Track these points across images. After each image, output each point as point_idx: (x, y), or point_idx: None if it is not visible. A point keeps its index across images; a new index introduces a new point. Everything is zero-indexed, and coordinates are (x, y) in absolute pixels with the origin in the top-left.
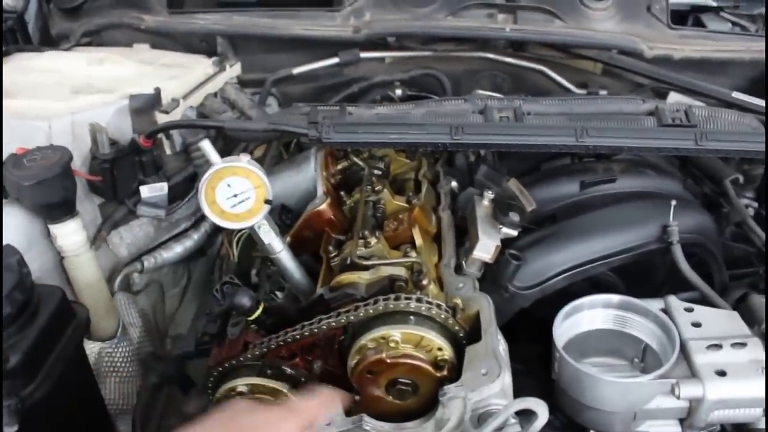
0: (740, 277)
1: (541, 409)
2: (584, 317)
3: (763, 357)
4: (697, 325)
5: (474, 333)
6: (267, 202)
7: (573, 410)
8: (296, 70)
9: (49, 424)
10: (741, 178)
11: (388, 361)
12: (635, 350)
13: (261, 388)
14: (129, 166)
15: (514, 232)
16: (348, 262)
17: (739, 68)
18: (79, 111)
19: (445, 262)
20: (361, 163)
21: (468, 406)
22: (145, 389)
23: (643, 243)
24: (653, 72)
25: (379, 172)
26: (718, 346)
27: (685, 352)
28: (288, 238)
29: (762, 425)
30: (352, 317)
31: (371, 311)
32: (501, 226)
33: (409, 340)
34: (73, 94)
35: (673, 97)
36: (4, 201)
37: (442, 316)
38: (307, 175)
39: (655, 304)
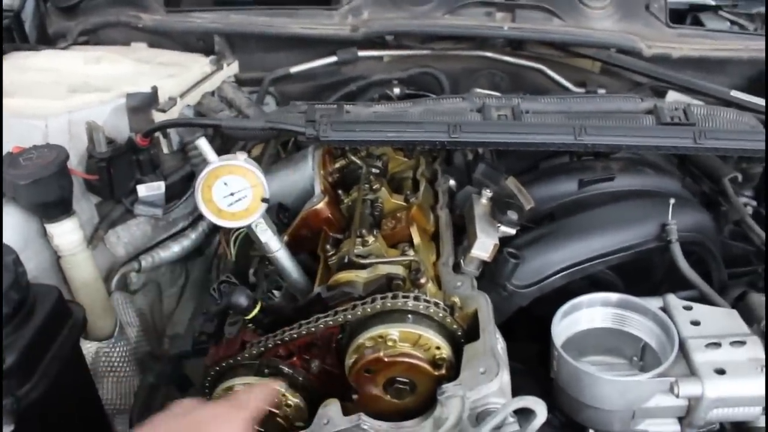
0: (739, 276)
1: (540, 408)
2: (583, 316)
3: (762, 355)
4: (696, 323)
5: (472, 331)
6: (264, 200)
7: (572, 409)
8: (294, 69)
9: (45, 423)
10: (740, 177)
11: (386, 359)
12: (634, 349)
13: None
14: (126, 165)
15: (513, 231)
16: (345, 260)
17: (737, 67)
18: (76, 110)
19: (443, 261)
20: (358, 161)
21: (466, 405)
22: (143, 389)
23: (641, 241)
24: (652, 71)
25: (377, 171)
26: (717, 345)
27: (684, 351)
28: (285, 237)
29: (762, 423)
30: (349, 316)
31: (369, 310)
32: (499, 225)
33: (407, 339)
34: (70, 93)
35: (672, 96)
36: None
37: (440, 315)
38: (304, 174)
39: (654, 303)
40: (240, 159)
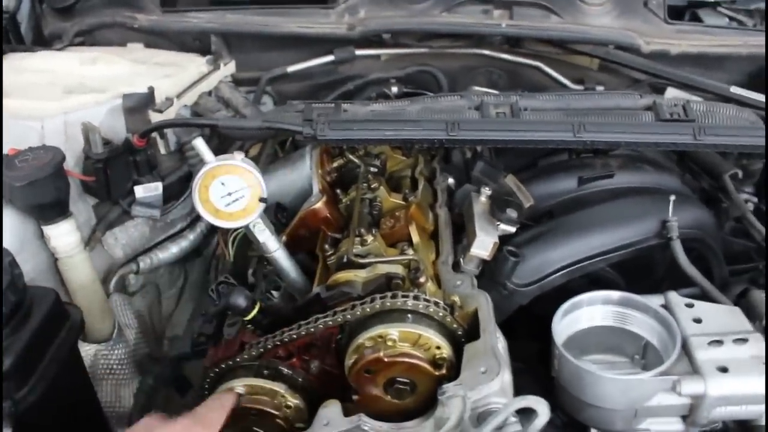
0: (740, 273)
1: (542, 408)
2: (584, 314)
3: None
4: (698, 321)
5: (472, 331)
6: (262, 200)
7: (573, 408)
8: (291, 68)
9: (44, 427)
10: (740, 173)
11: (386, 360)
12: (636, 347)
13: (258, 389)
14: (123, 166)
15: (512, 229)
16: (344, 260)
17: (736, 63)
18: (72, 111)
19: (443, 260)
20: (356, 160)
21: (467, 405)
22: (142, 391)
23: (642, 239)
24: (650, 67)
25: (375, 170)
26: (720, 342)
27: (686, 349)
28: (284, 237)
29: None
30: (348, 316)
31: (368, 310)
32: (498, 223)
33: (407, 339)
34: (66, 94)
35: (671, 93)
36: None
37: (440, 314)
38: (302, 173)
39: (655, 300)
40: (237, 159)
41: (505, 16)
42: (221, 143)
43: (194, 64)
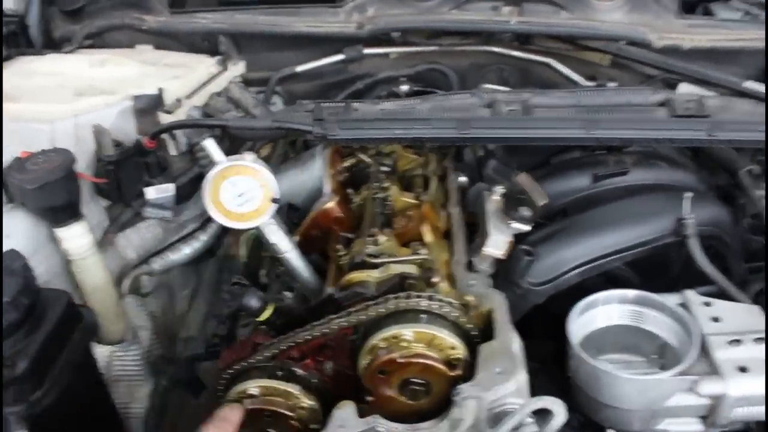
0: (759, 270)
1: (559, 409)
2: (600, 313)
3: None
4: (716, 319)
5: (487, 331)
6: (274, 201)
7: (590, 408)
8: (300, 68)
9: (58, 429)
10: (757, 169)
11: (400, 360)
12: (653, 346)
13: (272, 390)
14: (134, 168)
15: (526, 227)
16: (357, 260)
17: (750, 57)
18: (82, 113)
19: (456, 259)
20: (368, 159)
21: (483, 406)
22: (156, 393)
23: (657, 236)
24: (663, 62)
25: (387, 169)
26: (739, 342)
27: (704, 348)
28: (296, 237)
29: None
30: (362, 317)
31: (382, 310)
32: (512, 222)
33: (421, 339)
34: (76, 97)
35: (683, 88)
36: (9, 206)
37: (454, 314)
38: (313, 173)
39: (672, 299)
40: (247, 159)
41: (515, 12)
42: (232, 144)
43: (203, 64)
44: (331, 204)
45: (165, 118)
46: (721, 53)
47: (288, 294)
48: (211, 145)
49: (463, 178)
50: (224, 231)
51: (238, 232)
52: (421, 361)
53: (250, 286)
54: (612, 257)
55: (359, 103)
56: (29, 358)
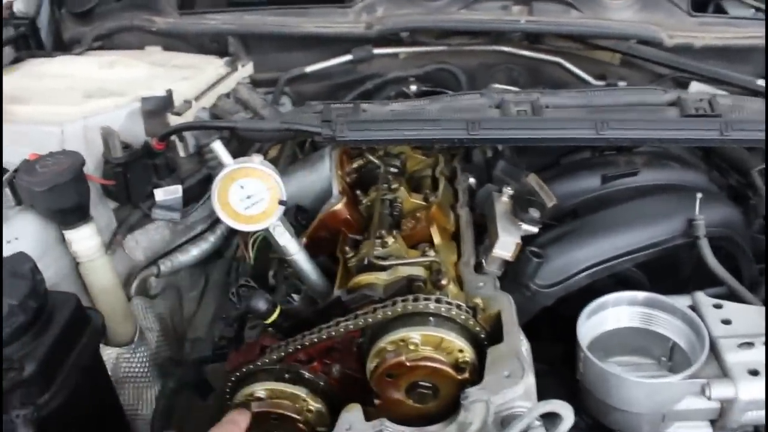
0: None
1: (567, 412)
2: (609, 315)
3: None
4: (727, 322)
5: (495, 333)
6: (281, 203)
7: (599, 411)
8: (309, 69)
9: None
10: None
11: (408, 363)
12: (662, 349)
13: (279, 393)
14: (142, 170)
15: (535, 229)
16: (365, 262)
17: (763, 55)
18: (92, 115)
19: (465, 261)
20: (376, 161)
21: (491, 410)
22: (164, 395)
23: (668, 238)
24: (674, 61)
25: (396, 170)
26: (750, 344)
27: (715, 351)
28: (304, 239)
29: None
30: (370, 319)
31: (390, 313)
32: (521, 223)
33: (429, 342)
34: (85, 98)
35: (695, 87)
36: (18, 208)
37: (463, 317)
38: (321, 175)
39: (682, 301)
40: (256, 161)
41: (524, 11)
42: (240, 145)
43: (212, 66)
44: (339, 206)
45: (174, 120)
46: (733, 51)
47: (295, 296)
48: (219, 148)
49: (472, 180)
50: (232, 232)
51: (246, 234)
52: (429, 364)
53: (257, 289)
54: (622, 259)
55: (368, 103)
56: (37, 361)
